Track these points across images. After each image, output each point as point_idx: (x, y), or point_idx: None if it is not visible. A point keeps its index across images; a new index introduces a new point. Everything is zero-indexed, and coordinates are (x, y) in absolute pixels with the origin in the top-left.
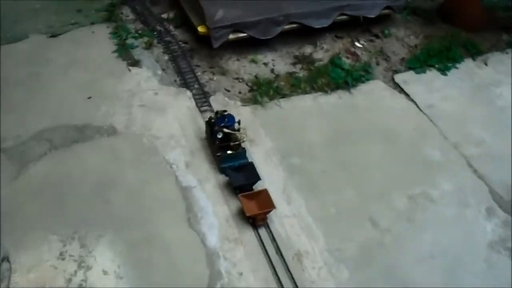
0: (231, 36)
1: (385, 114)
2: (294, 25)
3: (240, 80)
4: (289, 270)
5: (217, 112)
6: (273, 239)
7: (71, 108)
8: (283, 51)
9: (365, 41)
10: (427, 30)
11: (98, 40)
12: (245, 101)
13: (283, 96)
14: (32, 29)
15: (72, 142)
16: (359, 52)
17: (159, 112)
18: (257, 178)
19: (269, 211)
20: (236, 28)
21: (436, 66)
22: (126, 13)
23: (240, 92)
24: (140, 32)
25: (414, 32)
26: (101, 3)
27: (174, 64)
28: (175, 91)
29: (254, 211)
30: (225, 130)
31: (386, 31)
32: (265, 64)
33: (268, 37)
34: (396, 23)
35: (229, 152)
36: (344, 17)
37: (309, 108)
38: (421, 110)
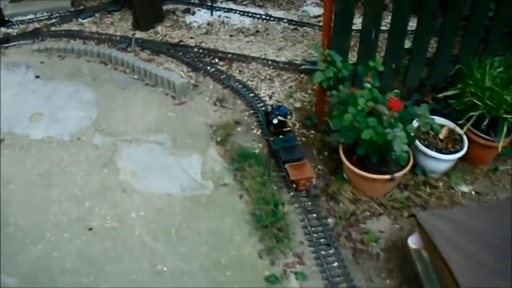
0: None
1: None
2: None
3: None
4: None
5: (272, 105)
6: None
7: None
8: None
9: None
10: None
11: None
12: None
13: None
14: None
15: None
16: None
17: None
18: (301, 155)
19: (310, 178)
20: None
21: None
22: None
23: None
24: None
25: None
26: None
27: None
28: None
29: (297, 176)
30: (279, 117)
31: None
32: None
33: None
34: None
35: (280, 136)
36: None
37: None
38: None
